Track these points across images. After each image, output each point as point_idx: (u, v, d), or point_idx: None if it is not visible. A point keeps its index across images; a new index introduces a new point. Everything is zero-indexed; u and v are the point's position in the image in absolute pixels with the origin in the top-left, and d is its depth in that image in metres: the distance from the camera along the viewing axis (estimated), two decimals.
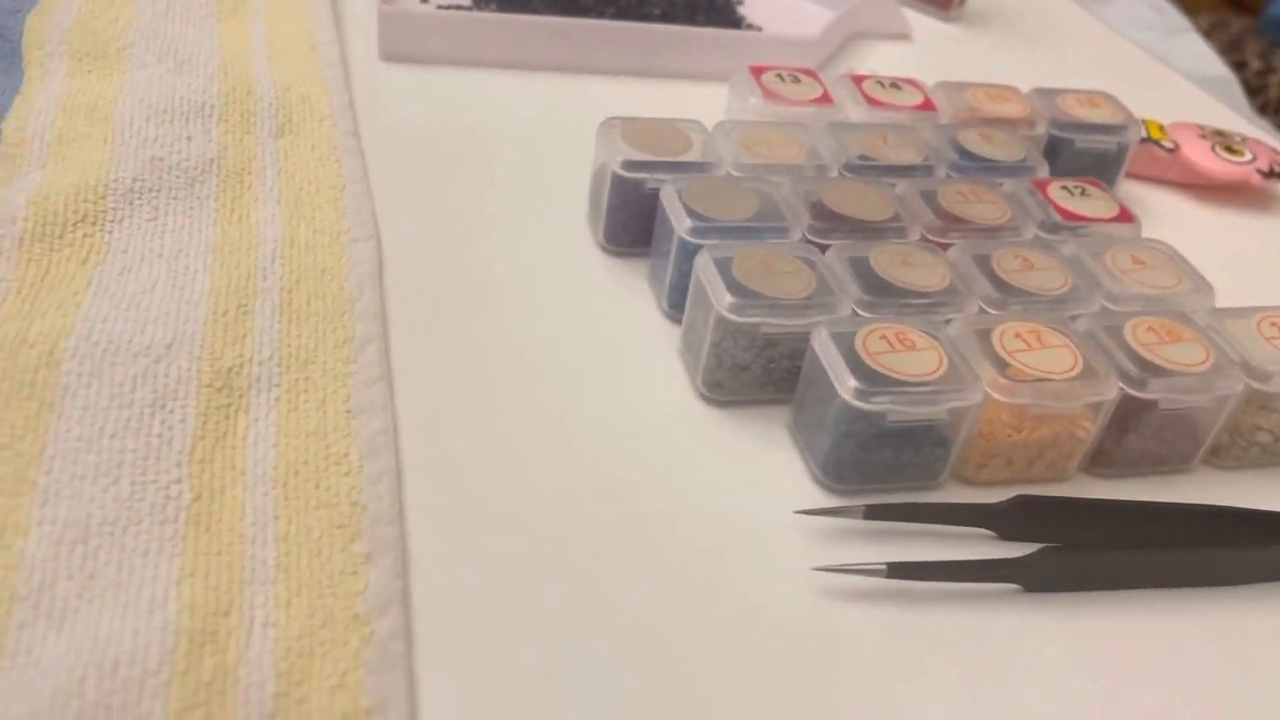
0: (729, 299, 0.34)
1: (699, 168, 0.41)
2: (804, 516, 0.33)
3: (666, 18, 0.58)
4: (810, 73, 0.48)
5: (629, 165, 0.40)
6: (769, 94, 0.46)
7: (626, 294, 0.41)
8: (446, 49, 0.53)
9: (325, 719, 0.25)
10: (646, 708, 0.27)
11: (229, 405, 0.32)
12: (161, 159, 0.40)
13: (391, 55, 0.53)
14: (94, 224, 0.37)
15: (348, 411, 0.33)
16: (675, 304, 0.39)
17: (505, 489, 0.32)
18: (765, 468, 0.35)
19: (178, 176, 0.40)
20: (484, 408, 0.35)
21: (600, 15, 0.57)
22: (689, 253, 0.37)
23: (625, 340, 0.39)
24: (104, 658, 0.25)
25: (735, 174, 0.41)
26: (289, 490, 0.30)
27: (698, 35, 0.56)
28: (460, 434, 0.34)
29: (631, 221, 0.41)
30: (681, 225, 0.38)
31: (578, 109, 0.52)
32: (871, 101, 0.47)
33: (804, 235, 0.38)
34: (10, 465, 0.29)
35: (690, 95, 0.54)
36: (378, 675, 0.26)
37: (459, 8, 0.57)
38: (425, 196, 0.44)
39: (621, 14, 0.58)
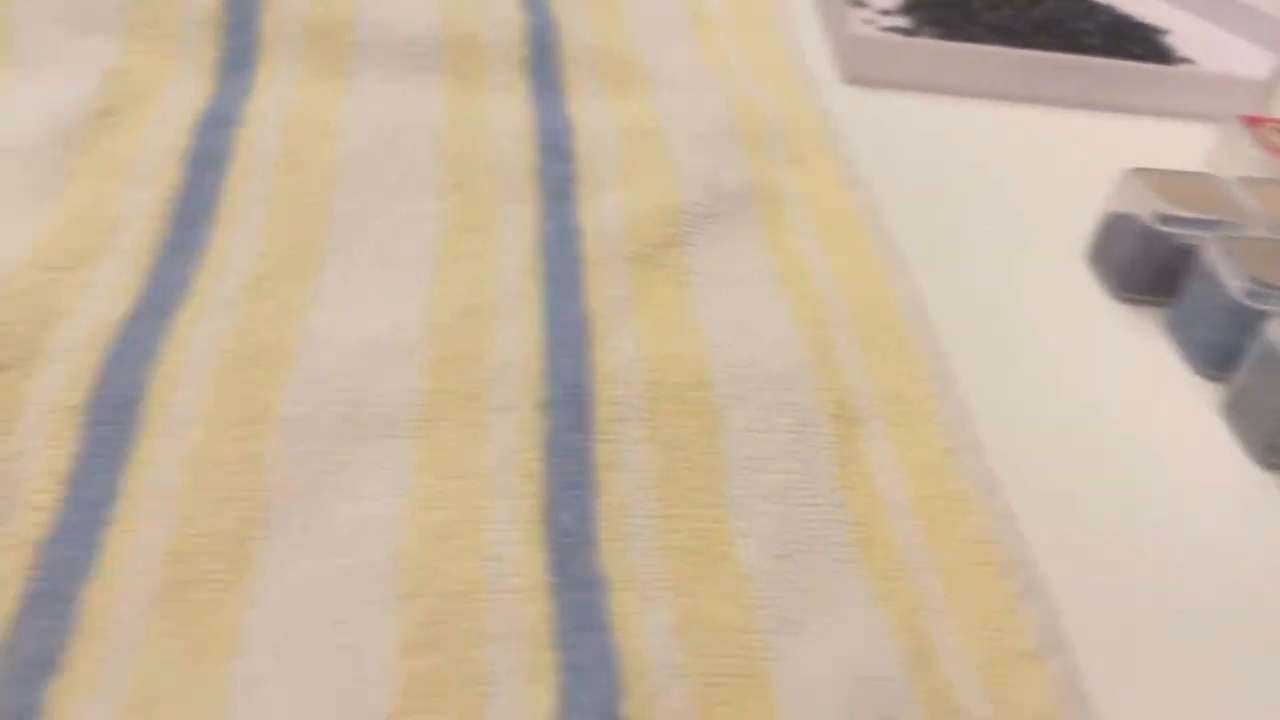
0: None
1: (1232, 226, 0.42)
2: None
3: (1103, 49, 0.58)
4: None
5: (1163, 219, 0.42)
6: (1271, 149, 0.47)
7: (1143, 345, 0.42)
8: (901, 73, 0.55)
9: None
10: None
11: (851, 434, 0.35)
12: (714, 185, 0.44)
13: (853, 78, 0.55)
14: (677, 248, 0.41)
15: (946, 449, 0.36)
16: (1210, 361, 0.40)
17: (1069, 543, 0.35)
18: None
19: (728, 203, 0.44)
20: (1018, 452, 0.37)
21: (1039, 44, 0.58)
22: (1240, 314, 0.39)
23: (1151, 395, 0.40)
24: (854, 671, 0.28)
25: (1268, 235, 0.42)
26: (926, 523, 0.33)
27: (1144, 71, 0.56)
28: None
29: (1154, 273, 0.43)
30: (1236, 286, 0.39)
31: (1027, 139, 0.53)
32: None
33: None
34: (703, 479, 0.33)
35: (1133, 129, 0.55)
36: (1070, 713, 0.29)
37: (901, 30, 0.59)
38: (909, 227, 0.47)
39: (1058, 40, 0.58)
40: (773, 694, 0.27)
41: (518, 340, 0.36)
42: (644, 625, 0.29)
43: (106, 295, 0.36)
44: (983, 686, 0.29)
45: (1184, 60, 0.60)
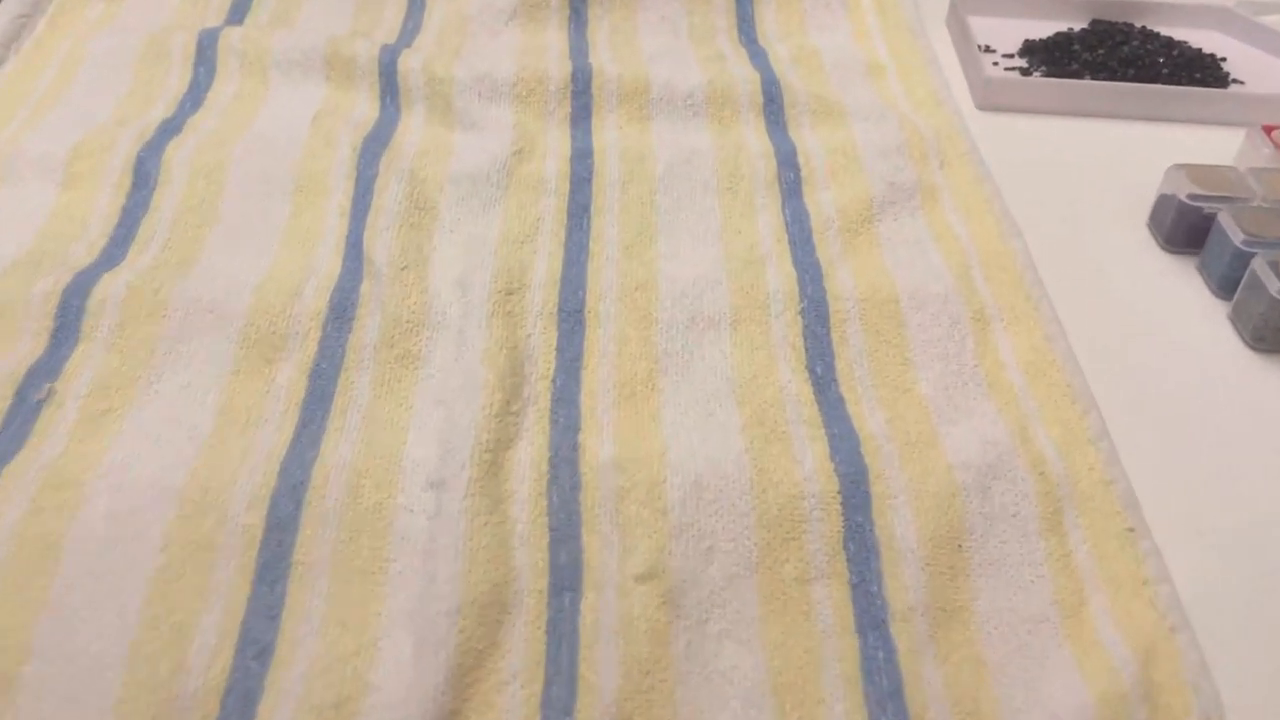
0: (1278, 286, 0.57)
1: (1241, 201, 0.64)
2: None
3: (1171, 77, 0.80)
4: None
5: (1193, 197, 0.64)
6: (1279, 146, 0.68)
7: (1181, 277, 0.65)
8: (1021, 102, 0.78)
9: None
10: None
11: (983, 328, 0.59)
12: (893, 183, 0.68)
13: (985, 106, 0.78)
14: (870, 223, 0.66)
15: (1043, 336, 0.59)
16: (1222, 287, 0.62)
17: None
18: None
19: (902, 194, 0.68)
20: (1090, 339, 0.60)
21: (1125, 76, 0.80)
22: (1239, 256, 0.61)
23: (1186, 306, 0.63)
24: (983, 437, 0.52)
25: (1265, 205, 0.63)
26: (1026, 375, 0.57)
27: (1201, 94, 0.77)
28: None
29: (1187, 232, 0.65)
30: (1237, 239, 0.61)
31: (1114, 145, 0.75)
32: None
33: None
34: (895, 353, 0.57)
35: (1193, 136, 0.76)
36: (1105, 452, 0.52)
37: (1020, 69, 0.82)
38: (1024, 205, 0.70)
39: (1140, 72, 0.80)
40: (943, 449, 0.52)
41: (779, 277, 0.61)
42: (868, 419, 0.53)
43: (546, 256, 0.63)
44: (1060, 455, 0.52)
45: (1236, 81, 0.81)
